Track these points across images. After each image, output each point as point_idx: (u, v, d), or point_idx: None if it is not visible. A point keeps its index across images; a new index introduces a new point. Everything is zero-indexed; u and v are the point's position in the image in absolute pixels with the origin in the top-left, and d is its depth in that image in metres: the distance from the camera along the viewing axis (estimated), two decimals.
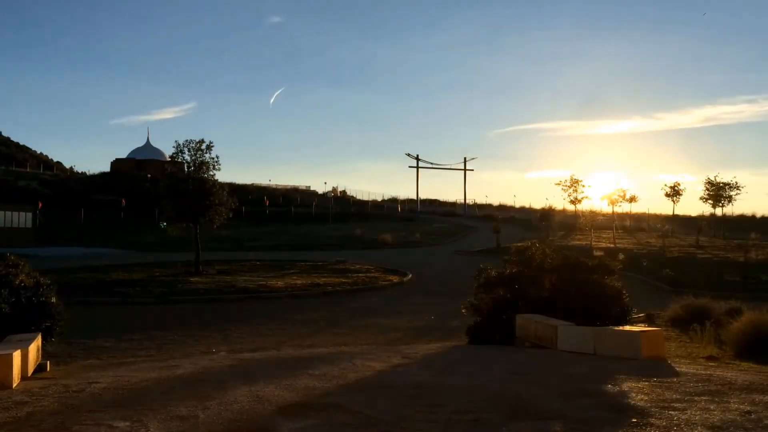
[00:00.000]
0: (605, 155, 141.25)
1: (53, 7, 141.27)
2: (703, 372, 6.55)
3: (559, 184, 61.99)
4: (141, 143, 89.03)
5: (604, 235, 49.28)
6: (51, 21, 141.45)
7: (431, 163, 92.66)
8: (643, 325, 12.44)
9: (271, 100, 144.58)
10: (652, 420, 4.09)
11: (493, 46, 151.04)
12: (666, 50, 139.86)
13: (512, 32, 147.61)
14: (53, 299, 10.36)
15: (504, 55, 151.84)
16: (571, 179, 61.35)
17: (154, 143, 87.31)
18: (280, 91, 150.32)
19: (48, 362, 8.86)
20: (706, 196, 54.61)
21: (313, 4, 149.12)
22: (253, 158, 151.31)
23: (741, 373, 6.44)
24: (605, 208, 63.88)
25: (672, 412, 4.32)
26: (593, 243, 41.71)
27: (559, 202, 68.66)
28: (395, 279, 26.07)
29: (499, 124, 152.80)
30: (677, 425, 3.94)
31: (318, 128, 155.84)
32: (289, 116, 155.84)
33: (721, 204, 54.85)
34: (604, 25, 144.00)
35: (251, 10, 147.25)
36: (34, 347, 8.23)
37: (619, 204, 61.73)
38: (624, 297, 11.56)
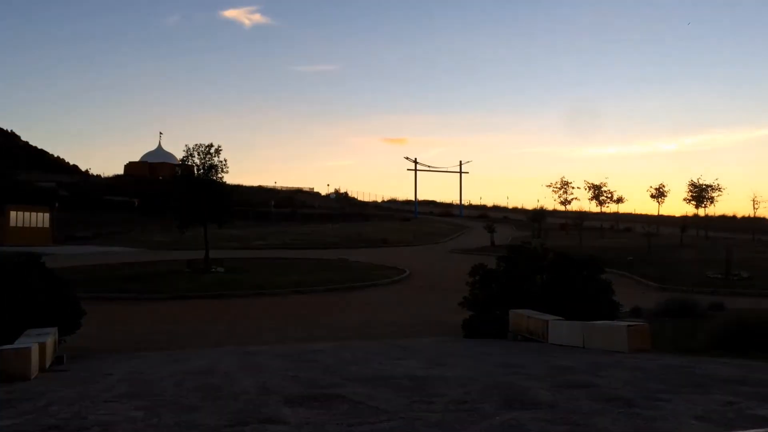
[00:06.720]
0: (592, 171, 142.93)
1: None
2: (687, 364, 6.55)
3: (550, 185, 62.07)
4: (153, 147, 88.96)
5: (592, 234, 49.24)
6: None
7: (429, 166, 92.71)
8: (630, 319, 12.43)
9: None
10: (639, 410, 4.09)
11: (490, 64, 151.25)
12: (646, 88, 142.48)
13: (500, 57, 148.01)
14: (70, 295, 10.39)
15: (497, 74, 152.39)
16: (561, 181, 61.43)
17: (165, 147, 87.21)
18: None
19: (65, 355, 8.87)
20: (689, 197, 54.64)
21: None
22: (259, 160, 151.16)
23: (723, 365, 6.44)
24: (594, 208, 63.95)
25: (658, 403, 4.33)
26: (581, 242, 41.65)
27: (550, 203, 68.55)
28: (394, 276, 26.07)
29: (492, 143, 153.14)
30: (663, 415, 3.94)
31: (320, 130, 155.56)
32: (291, 118, 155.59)
33: (703, 205, 54.86)
34: (592, 62, 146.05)
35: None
36: (52, 341, 8.24)
37: (607, 204, 61.88)
38: (612, 293, 11.58)
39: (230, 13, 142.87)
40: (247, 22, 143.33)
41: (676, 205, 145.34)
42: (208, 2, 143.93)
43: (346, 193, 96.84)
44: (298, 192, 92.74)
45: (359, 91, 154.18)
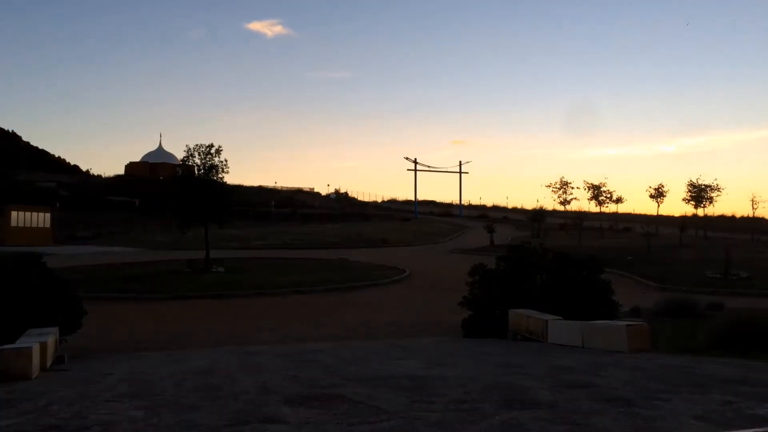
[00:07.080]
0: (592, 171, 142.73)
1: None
2: (686, 364, 6.55)
3: (549, 186, 62.03)
4: (153, 147, 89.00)
5: (592, 235, 49.24)
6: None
7: (428, 166, 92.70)
8: (629, 319, 12.43)
9: None
10: (639, 410, 4.09)
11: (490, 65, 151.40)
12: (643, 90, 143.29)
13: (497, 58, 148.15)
14: (70, 295, 10.38)
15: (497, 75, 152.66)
16: (561, 181, 61.39)
17: (166, 147, 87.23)
18: None
19: (66, 355, 8.86)
20: (688, 197, 54.60)
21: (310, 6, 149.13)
22: (259, 161, 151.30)
23: (723, 365, 6.44)
24: (593, 209, 63.93)
25: (658, 403, 4.32)
26: (581, 242, 41.65)
27: (550, 203, 68.54)
28: (394, 276, 26.05)
29: (492, 143, 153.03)
30: (662, 415, 3.94)
31: (321, 131, 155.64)
32: (293, 120, 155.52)
33: (702, 205, 54.81)
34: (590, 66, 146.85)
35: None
36: (53, 341, 8.24)
37: (606, 205, 61.85)
38: (612, 292, 11.57)
39: (254, 26, 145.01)
40: (269, 33, 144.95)
41: (676, 205, 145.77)
42: (231, 15, 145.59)
43: (346, 193, 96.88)
44: (298, 192, 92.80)
45: (363, 94, 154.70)
